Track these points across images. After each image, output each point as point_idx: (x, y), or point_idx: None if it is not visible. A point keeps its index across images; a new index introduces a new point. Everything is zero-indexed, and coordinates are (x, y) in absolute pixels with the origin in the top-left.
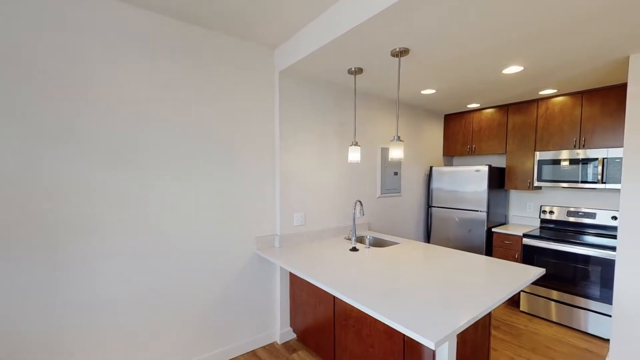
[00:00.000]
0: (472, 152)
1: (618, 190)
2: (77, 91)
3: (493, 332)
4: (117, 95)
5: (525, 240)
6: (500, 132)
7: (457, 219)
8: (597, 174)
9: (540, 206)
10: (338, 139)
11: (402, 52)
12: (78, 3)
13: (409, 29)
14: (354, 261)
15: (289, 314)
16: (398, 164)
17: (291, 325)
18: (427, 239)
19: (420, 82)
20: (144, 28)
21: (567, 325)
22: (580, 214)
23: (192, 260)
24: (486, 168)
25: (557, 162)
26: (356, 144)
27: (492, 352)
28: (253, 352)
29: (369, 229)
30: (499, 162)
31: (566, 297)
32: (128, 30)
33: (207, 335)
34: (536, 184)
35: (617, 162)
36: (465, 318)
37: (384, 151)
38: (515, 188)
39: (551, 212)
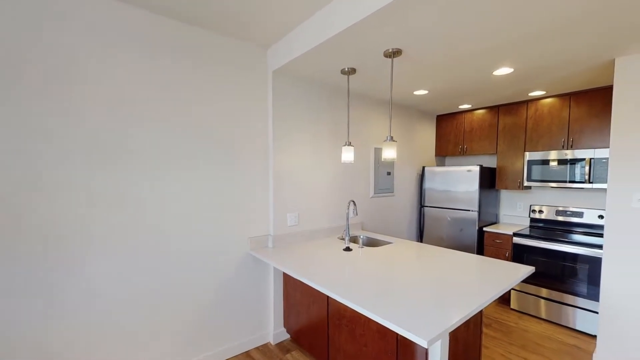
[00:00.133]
0: (463, 153)
1: (604, 189)
2: (72, 90)
3: (484, 329)
4: (113, 95)
5: (516, 239)
6: (491, 132)
7: (449, 219)
8: (584, 174)
9: (530, 205)
10: (332, 139)
11: (394, 53)
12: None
13: (402, 30)
14: (348, 261)
15: (283, 314)
16: (391, 164)
17: (285, 326)
18: (420, 238)
19: (412, 82)
20: (139, 28)
21: (556, 322)
22: (568, 213)
23: (183, 261)
24: (477, 168)
25: (546, 162)
26: (350, 144)
27: (483, 349)
28: (247, 353)
29: (363, 229)
30: (490, 162)
31: (555, 295)
32: (123, 30)
33: (200, 337)
34: (526, 183)
35: (604, 162)
36: (457, 316)
37: (377, 151)
38: (506, 188)
39: (540, 212)
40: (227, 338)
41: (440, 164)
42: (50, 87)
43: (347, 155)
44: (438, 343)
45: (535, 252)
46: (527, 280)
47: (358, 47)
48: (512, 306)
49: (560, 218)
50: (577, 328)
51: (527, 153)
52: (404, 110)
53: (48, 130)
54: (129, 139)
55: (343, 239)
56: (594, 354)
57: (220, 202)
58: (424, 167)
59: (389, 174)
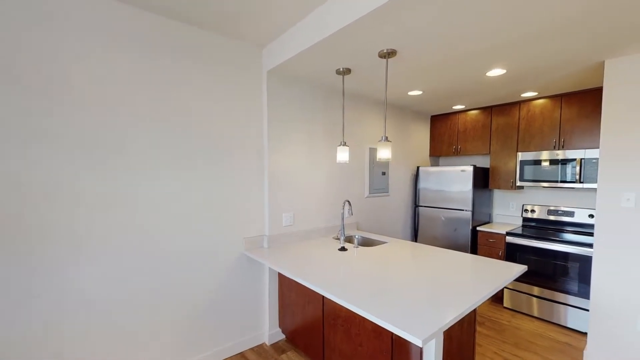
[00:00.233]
0: (457, 153)
1: (594, 189)
2: (59, 91)
3: (478, 328)
4: (102, 96)
5: (509, 239)
6: (484, 133)
7: (443, 218)
8: (575, 174)
9: (523, 205)
10: (327, 139)
11: (389, 54)
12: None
13: (397, 31)
14: (343, 261)
15: (278, 314)
16: (386, 164)
17: (280, 326)
18: (415, 238)
19: (407, 83)
20: (138, 28)
21: (548, 320)
22: (559, 212)
23: (179, 262)
24: (471, 168)
25: (538, 162)
26: (345, 144)
27: (477, 347)
28: (242, 354)
29: (358, 229)
30: (483, 162)
31: (547, 293)
32: (122, 30)
33: (193, 339)
34: (518, 183)
35: (594, 162)
36: (451, 315)
37: (372, 151)
38: (499, 188)
39: (532, 211)
40: (222, 339)
41: (435, 164)
42: (35, 87)
43: (342, 155)
44: (432, 342)
45: (527, 251)
46: (520, 279)
47: (353, 47)
48: (505, 304)
49: (551, 217)
50: (569, 325)
51: (519, 153)
52: (399, 110)
53: (33, 132)
54: (124, 139)
55: (338, 239)
56: (584, 351)
57: (215, 202)
58: (418, 167)
59: (383, 174)
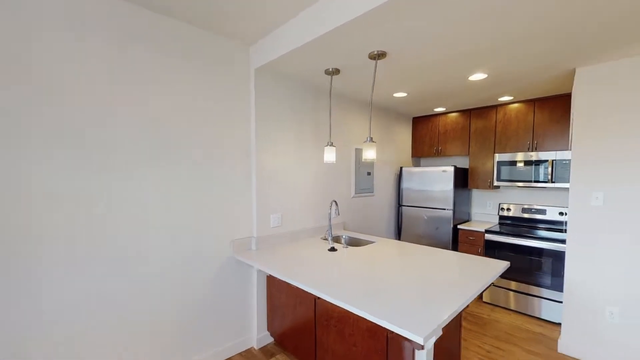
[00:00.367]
0: (438, 154)
1: (565, 188)
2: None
3: (462, 323)
4: (78, 92)
5: (487, 236)
6: (464, 135)
7: (425, 217)
8: (547, 174)
9: (499, 204)
10: (314, 139)
11: (379, 55)
12: None
13: (392, 32)
14: (334, 261)
15: (266, 317)
16: (371, 164)
17: (269, 329)
18: (398, 236)
19: (393, 85)
20: (116, 17)
21: (524, 312)
22: (533, 210)
23: (163, 266)
24: (452, 169)
25: (513, 163)
26: (332, 145)
27: (462, 342)
28: None
29: (344, 229)
30: (463, 163)
31: (523, 287)
32: (97, 19)
33: (179, 344)
34: (495, 183)
35: (564, 163)
36: (447, 312)
37: (358, 152)
38: (477, 187)
39: (508, 209)
40: (208, 345)
41: (417, 164)
42: (20, 84)
43: (329, 155)
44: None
45: (504, 247)
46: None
47: (345, 47)
48: (484, 299)
49: (525, 215)
50: (543, 317)
51: (496, 155)
52: (383, 111)
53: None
54: (105, 138)
55: (326, 239)
56: (558, 340)
57: (202, 203)
58: (401, 168)
59: (369, 174)
